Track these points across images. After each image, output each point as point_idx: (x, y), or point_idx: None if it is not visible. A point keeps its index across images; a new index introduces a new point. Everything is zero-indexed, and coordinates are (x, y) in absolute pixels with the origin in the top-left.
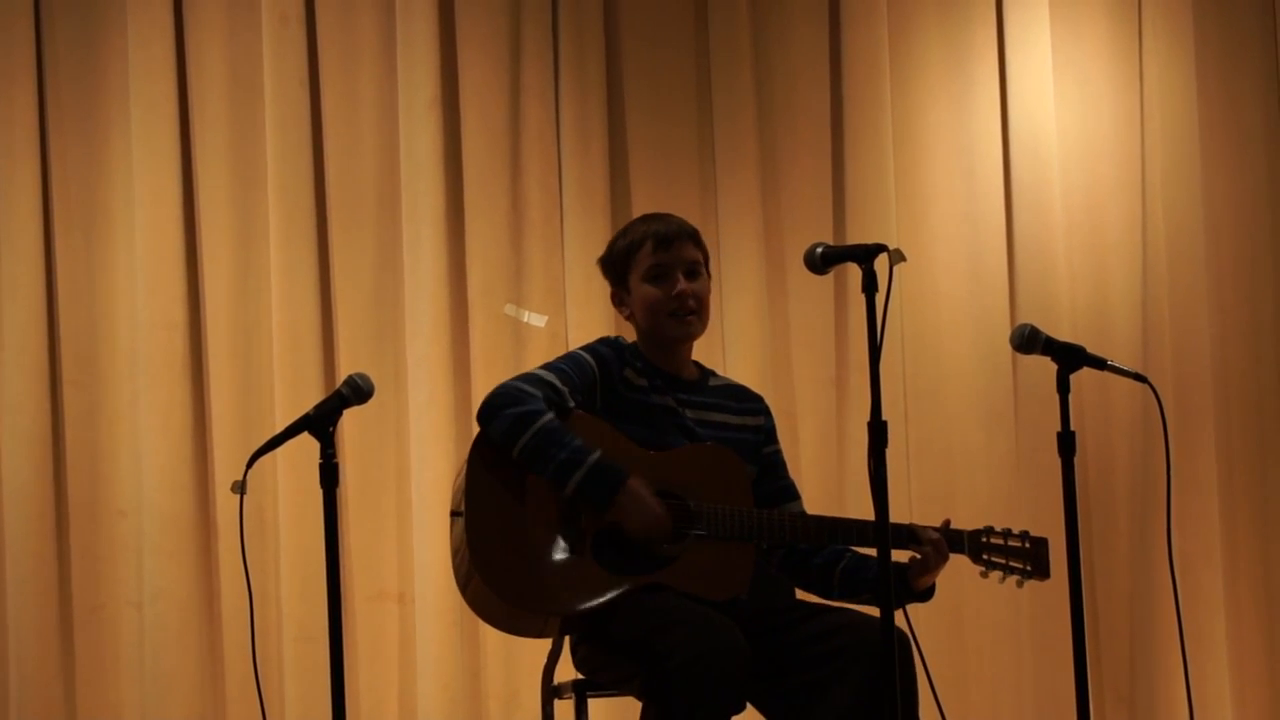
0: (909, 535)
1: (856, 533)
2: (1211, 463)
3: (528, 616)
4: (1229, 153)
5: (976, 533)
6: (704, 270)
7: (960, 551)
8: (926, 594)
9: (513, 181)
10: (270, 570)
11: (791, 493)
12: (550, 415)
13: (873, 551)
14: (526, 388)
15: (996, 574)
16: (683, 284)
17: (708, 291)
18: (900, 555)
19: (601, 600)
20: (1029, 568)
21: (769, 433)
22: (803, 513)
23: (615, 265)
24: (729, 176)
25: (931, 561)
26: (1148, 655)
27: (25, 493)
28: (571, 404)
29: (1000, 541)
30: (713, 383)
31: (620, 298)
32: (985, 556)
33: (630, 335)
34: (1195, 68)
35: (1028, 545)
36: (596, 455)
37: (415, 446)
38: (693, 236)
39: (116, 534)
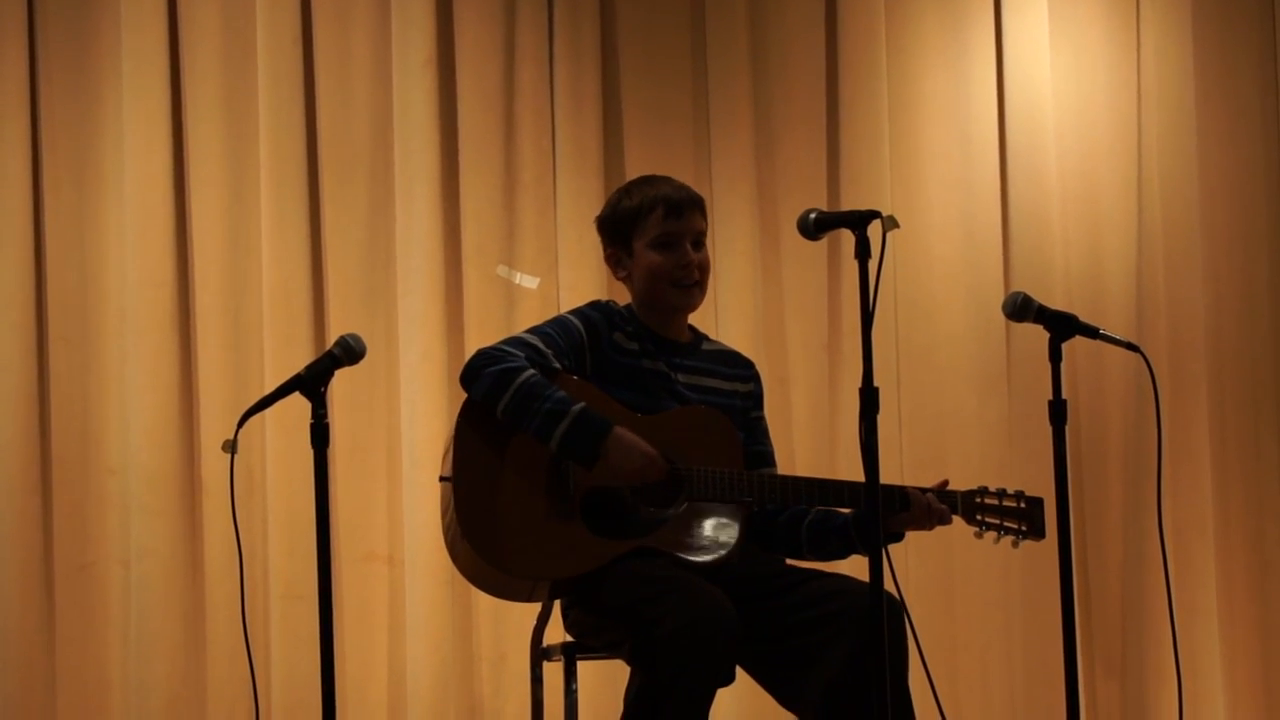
0: (901, 498)
1: (849, 494)
2: (1204, 432)
3: (516, 582)
4: (1225, 120)
5: (970, 493)
6: (705, 240)
7: (954, 512)
8: (899, 535)
9: (506, 142)
10: (257, 529)
11: (767, 459)
12: (531, 371)
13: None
14: (507, 348)
15: (991, 535)
16: (690, 254)
17: (709, 262)
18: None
19: (590, 566)
20: (1024, 528)
21: (757, 399)
22: (794, 475)
23: (619, 226)
24: (723, 140)
25: (921, 524)
26: (1138, 624)
27: (12, 449)
28: (556, 365)
29: (995, 502)
30: (705, 346)
31: (618, 259)
32: (979, 517)
33: (621, 297)
34: (1192, 35)
35: (1023, 505)
36: (580, 406)
37: (406, 407)
38: (700, 206)
39: (104, 492)
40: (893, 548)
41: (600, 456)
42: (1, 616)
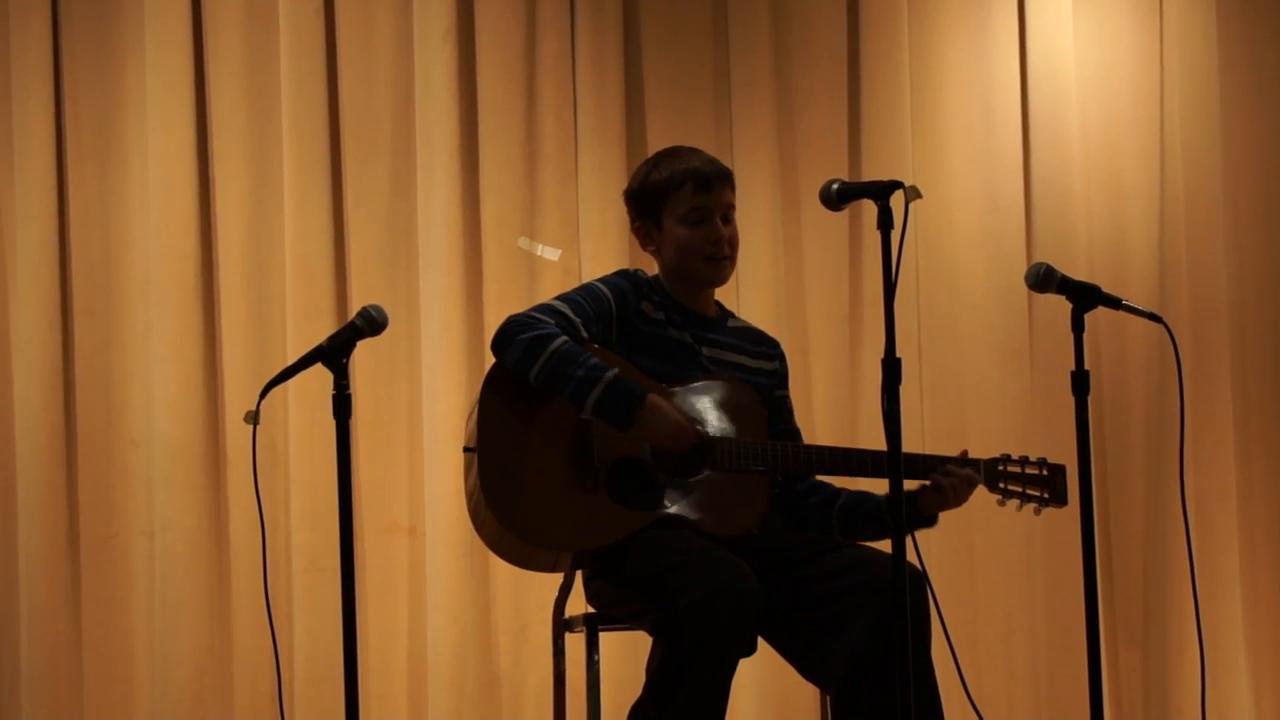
0: (926, 466)
1: (873, 464)
2: (1227, 402)
3: (540, 552)
4: (1248, 90)
5: (993, 461)
6: (734, 214)
7: (977, 480)
8: (933, 520)
9: (527, 114)
10: (280, 501)
11: (793, 438)
12: (564, 338)
13: (878, 485)
14: (539, 315)
15: (1014, 502)
16: (720, 229)
17: (738, 235)
18: (910, 483)
19: (614, 537)
20: (1047, 495)
21: (782, 377)
22: (818, 445)
23: (648, 200)
24: (745, 111)
25: (953, 496)
26: (1161, 593)
27: (37, 422)
28: (585, 334)
29: (1017, 469)
30: (731, 323)
31: (646, 232)
32: (1002, 485)
33: (649, 267)
34: (1215, 3)
35: (1045, 472)
36: (614, 373)
37: (427, 379)
38: (729, 179)
39: (127, 464)
40: None
41: (634, 422)
42: (28, 588)
